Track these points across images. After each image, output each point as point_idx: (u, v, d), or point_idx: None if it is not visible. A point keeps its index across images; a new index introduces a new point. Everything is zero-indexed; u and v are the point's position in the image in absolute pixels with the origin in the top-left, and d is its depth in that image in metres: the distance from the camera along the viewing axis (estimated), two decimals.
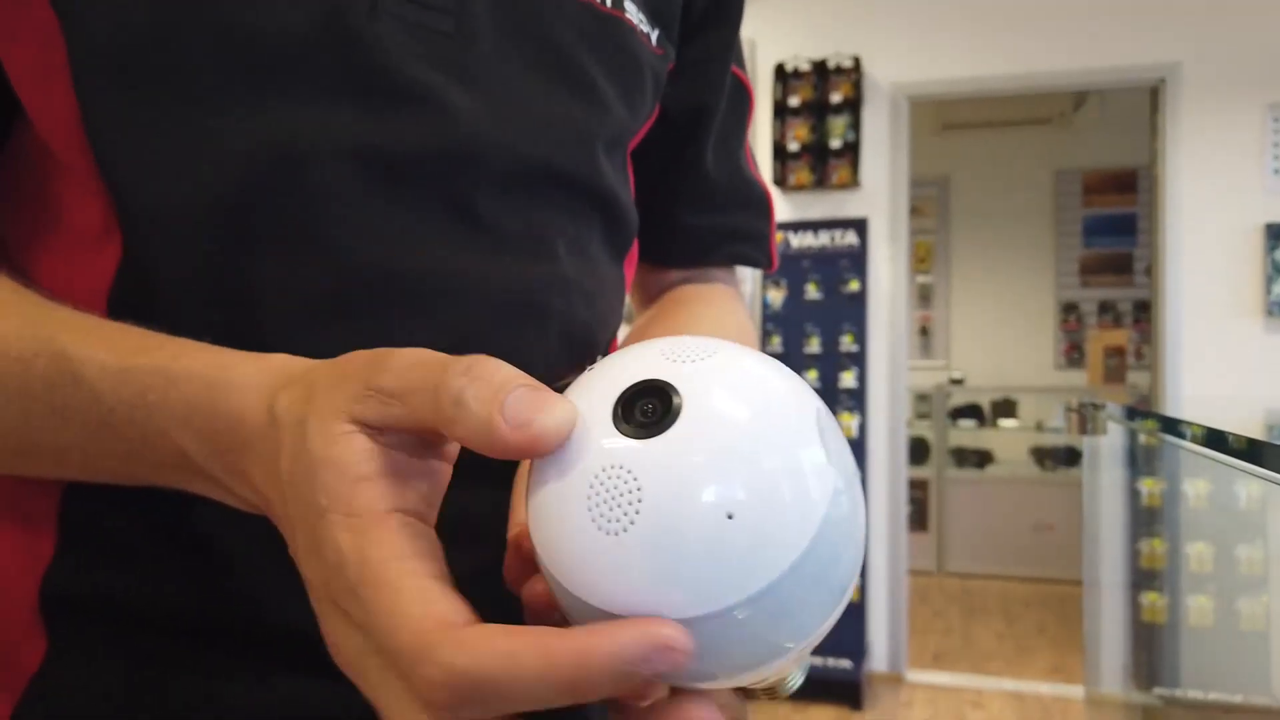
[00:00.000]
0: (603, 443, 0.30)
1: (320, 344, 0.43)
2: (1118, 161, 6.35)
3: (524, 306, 0.52)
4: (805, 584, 0.29)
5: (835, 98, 4.14)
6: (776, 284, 4.20)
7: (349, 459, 0.31)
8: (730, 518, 0.28)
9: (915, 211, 5.40)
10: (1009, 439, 6.24)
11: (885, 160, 4.16)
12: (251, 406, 0.36)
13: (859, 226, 4.14)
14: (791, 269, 4.18)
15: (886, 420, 4.15)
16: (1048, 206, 6.57)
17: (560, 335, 0.54)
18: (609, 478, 0.29)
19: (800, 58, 4.20)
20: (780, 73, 4.22)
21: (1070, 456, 5.90)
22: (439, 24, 0.48)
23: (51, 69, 0.43)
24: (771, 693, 0.37)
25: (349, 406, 0.32)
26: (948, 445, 6.12)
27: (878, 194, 4.17)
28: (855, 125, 4.13)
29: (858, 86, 4.13)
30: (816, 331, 4.16)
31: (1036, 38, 4.01)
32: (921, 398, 6.23)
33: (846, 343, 4.12)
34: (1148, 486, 3.10)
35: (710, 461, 0.29)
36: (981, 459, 6.15)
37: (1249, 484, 2.83)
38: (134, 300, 0.45)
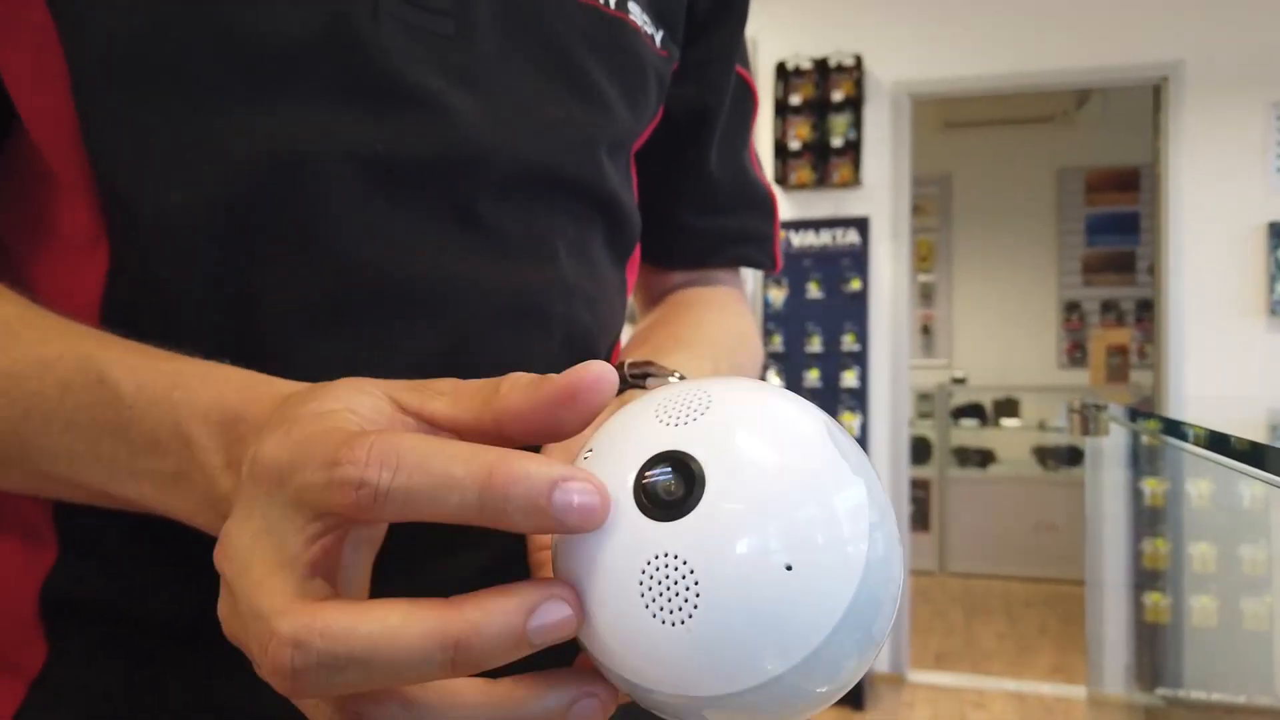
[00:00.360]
0: (641, 530, 0.29)
1: (321, 348, 0.45)
2: (1120, 160, 6.34)
3: (526, 311, 0.52)
4: (851, 634, 0.29)
5: (837, 96, 4.14)
6: (778, 283, 4.20)
7: (361, 402, 0.32)
8: (789, 569, 0.28)
9: (917, 210, 5.39)
10: (1011, 438, 6.23)
11: (887, 159, 4.16)
12: (288, 390, 0.36)
13: (860, 225, 4.14)
14: (793, 268, 4.18)
15: (888, 420, 4.14)
16: (1050, 205, 6.56)
17: (562, 339, 0.54)
18: (660, 567, 0.28)
19: (801, 56, 4.20)
20: (781, 71, 4.22)
21: (1073, 456, 5.89)
22: (440, 27, 0.48)
23: (48, 73, 0.43)
24: None
25: (390, 386, 0.34)
26: (950, 445, 6.12)
27: (879, 192, 4.16)
28: (857, 123, 4.13)
29: (859, 84, 4.13)
30: (818, 331, 4.16)
31: (1039, 35, 4.00)
32: (923, 397, 6.23)
33: (848, 342, 4.12)
34: (1150, 486, 3.09)
35: (756, 525, 0.28)
36: (984, 458, 6.15)
37: (1252, 484, 2.82)
38: (130, 305, 0.45)
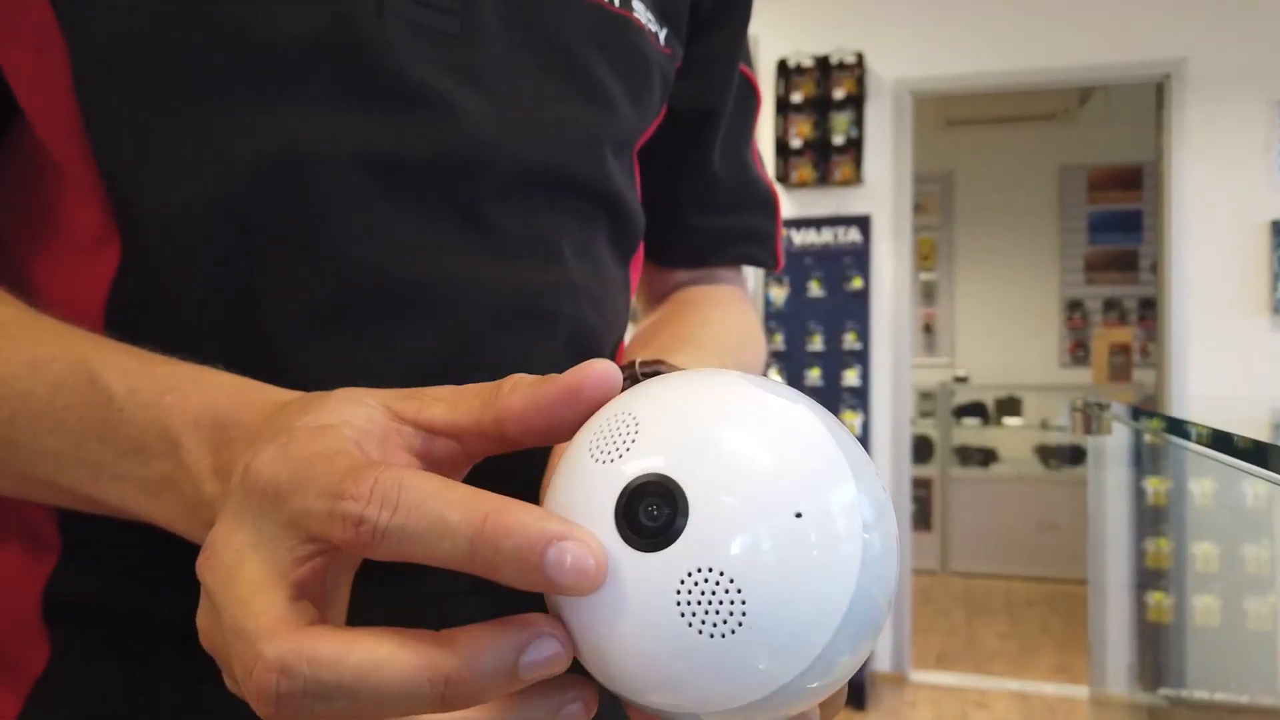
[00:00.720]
0: (644, 564, 0.28)
1: (323, 348, 0.45)
2: (1123, 157, 6.34)
3: (531, 311, 0.51)
4: (851, 632, 0.29)
5: (838, 94, 4.13)
6: (779, 282, 4.19)
7: (356, 414, 0.32)
8: (795, 567, 0.28)
9: (919, 208, 5.39)
10: (1013, 437, 6.23)
11: (888, 156, 4.15)
12: (282, 398, 0.36)
13: (862, 223, 4.14)
14: (794, 266, 4.18)
15: (890, 418, 4.14)
16: (1052, 203, 6.56)
17: (567, 339, 0.53)
18: (698, 584, 0.27)
19: (803, 53, 4.19)
20: (783, 69, 4.21)
21: (1075, 455, 5.89)
22: (445, 25, 0.48)
23: (51, 71, 0.43)
24: None
25: (384, 396, 0.34)
26: (952, 444, 6.12)
27: (881, 190, 4.16)
28: (858, 121, 4.12)
29: (861, 82, 4.12)
30: (819, 329, 4.16)
31: (1041, 32, 4.00)
32: (925, 396, 6.22)
33: (850, 340, 4.12)
34: (1153, 485, 3.09)
35: (754, 526, 0.28)
36: (986, 457, 6.14)
37: (1255, 483, 2.81)
38: (134, 305, 0.45)
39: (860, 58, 4.13)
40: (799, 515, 0.28)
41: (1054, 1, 3.99)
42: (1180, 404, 3.84)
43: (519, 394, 0.32)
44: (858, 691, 3.79)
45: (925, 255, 6.70)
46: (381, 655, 0.27)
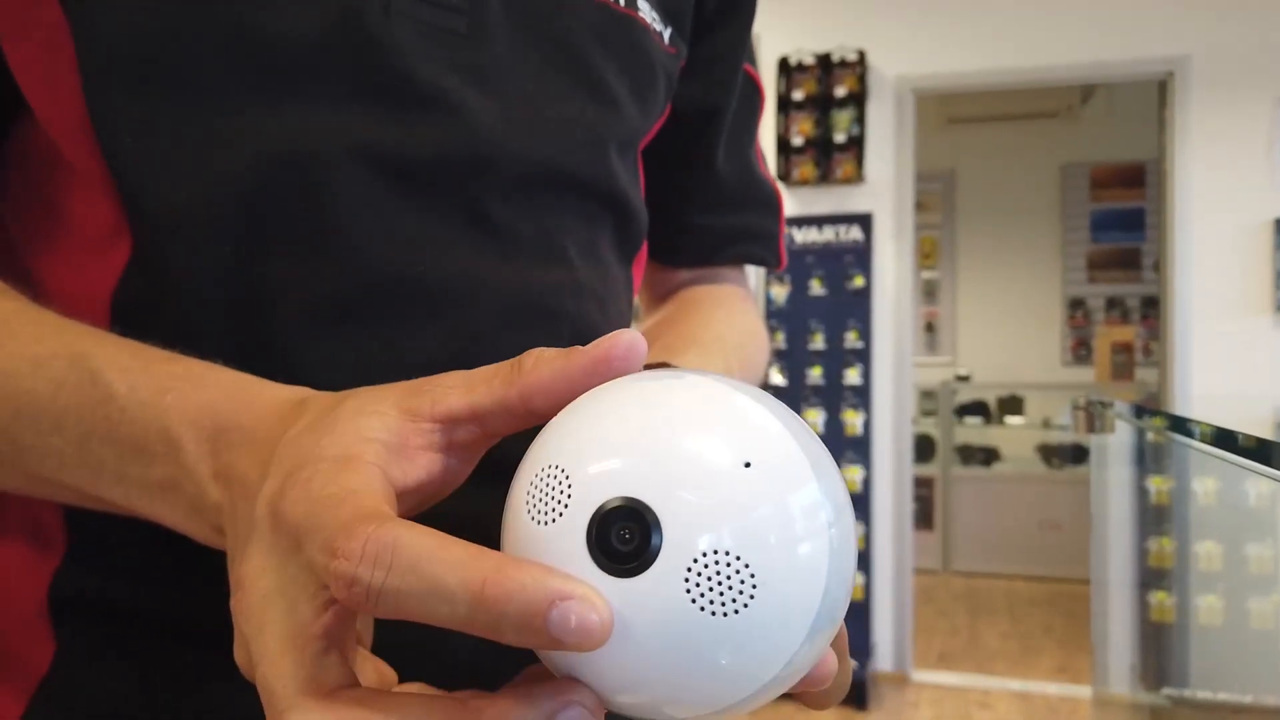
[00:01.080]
0: (617, 587, 0.28)
1: (332, 346, 0.45)
2: (1126, 155, 6.33)
3: (536, 310, 0.52)
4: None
5: (840, 91, 4.13)
6: (780, 280, 4.19)
7: (373, 428, 0.32)
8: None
9: (920, 206, 5.38)
10: (1015, 436, 6.23)
11: (890, 155, 4.15)
12: (281, 399, 0.36)
13: (864, 222, 4.13)
14: (796, 265, 4.17)
15: (892, 417, 4.13)
16: (1055, 201, 6.56)
17: (571, 338, 0.53)
18: (715, 561, 0.27)
19: (804, 51, 4.19)
20: (784, 66, 4.21)
21: (1077, 454, 5.88)
22: (452, 24, 0.48)
23: (60, 69, 0.43)
24: None
25: (395, 396, 0.33)
26: (953, 443, 6.12)
27: (882, 189, 4.15)
28: (860, 119, 4.11)
29: (862, 80, 4.12)
30: (821, 328, 4.15)
31: (1043, 30, 3.99)
32: (927, 394, 6.23)
33: (851, 339, 4.11)
34: (1156, 484, 3.09)
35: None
36: (988, 456, 6.15)
37: (1259, 482, 2.81)
38: (141, 301, 0.45)
39: (862, 55, 4.12)
40: (774, 507, 0.28)
41: None
42: (1183, 403, 3.83)
43: (545, 367, 0.32)
44: (859, 691, 3.79)
45: (927, 253, 6.70)
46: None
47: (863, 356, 4.10)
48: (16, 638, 0.46)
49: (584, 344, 0.52)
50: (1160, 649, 3.21)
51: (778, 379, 4.15)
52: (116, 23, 0.43)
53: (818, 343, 4.14)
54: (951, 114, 6.48)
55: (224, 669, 0.42)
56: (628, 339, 0.32)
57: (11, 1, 0.44)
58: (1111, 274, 6.45)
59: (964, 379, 6.37)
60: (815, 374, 4.13)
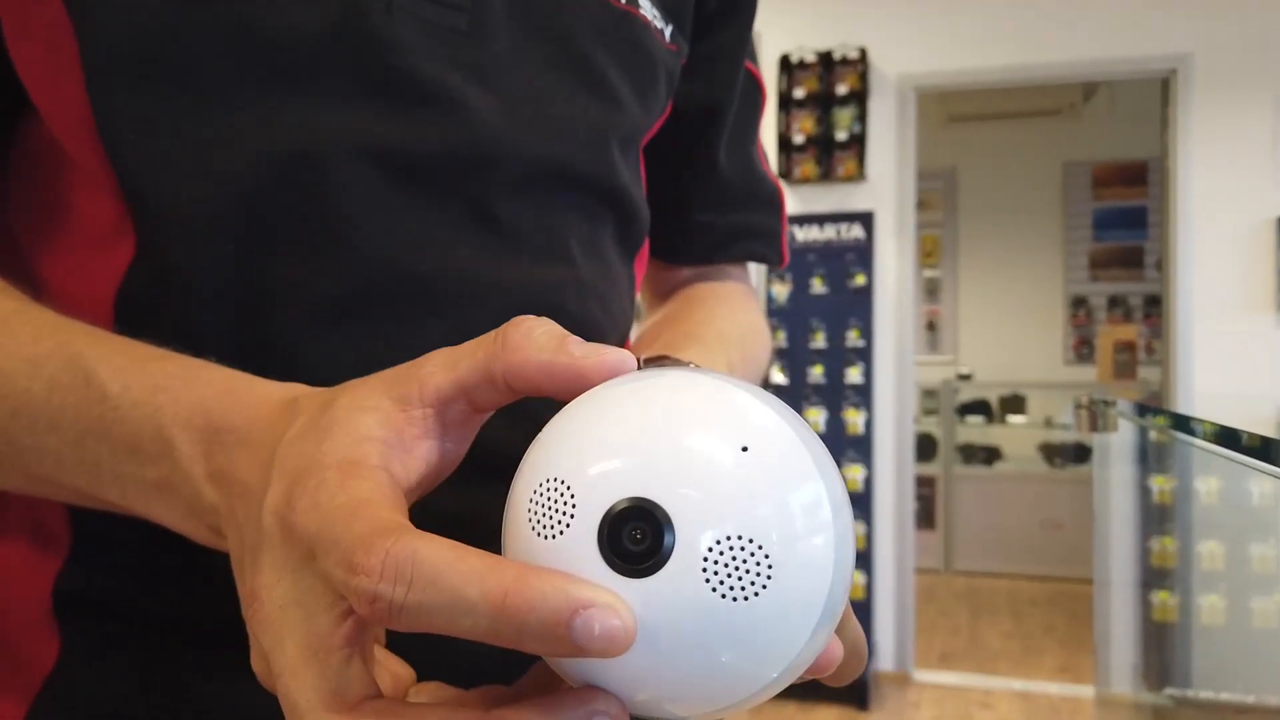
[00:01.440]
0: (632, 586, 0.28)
1: (335, 345, 0.45)
2: (1128, 154, 6.33)
3: (540, 307, 0.51)
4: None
5: (841, 89, 4.12)
6: (781, 278, 4.18)
7: (369, 424, 0.32)
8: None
9: (922, 205, 5.38)
10: (1017, 435, 6.23)
11: (892, 153, 4.14)
12: (272, 398, 0.36)
13: (865, 220, 4.12)
14: (797, 263, 4.17)
15: (893, 416, 4.13)
16: (1057, 199, 6.55)
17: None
18: (730, 547, 0.27)
19: (805, 49, 4.18)
20: (785, 64, 4.20)
21: (1079, 453, 5.88)
22: (453, 22, 0.48)
23: (63, 67, 0.43)
24: None
25: (385, 387, 0.33)
26: (955, 442, 6.12)
27: (884, 187, 4.14)
28: (861, 117, 4.11)
29: (864, 78, 4.11)
30: (822, 327, 4.14)
31: (1045, 27, 3.98)
32: (929, 393, 6.23)
33: (853, 338, 4.11)
34: (1159, 484, 3.08)
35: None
36: (989, 456, 6.14)
37: (1262, 481, 2.80)
38: (145, 298, 0.45)
39: (863, 53, 4.11)
40: (781, 505, 0.28)
41: None
42: (1185, 401, 3.83)
43: (532, 353, 0.32)
44: (860, 691, 3.78)
45: (929, 252, 6.70)
46: None
47: (864, 355, 4.10)
48: (21, 638, 0.46)
49: (586, 340, 0.52)
50: (1163, 649, 3.21)
51: (779, 377, 4.14)
52: (118, 21, 0.43)
53: (819, 341, 4.14)
54: (953, 112, 6.47)
55: (226, 667, 0.43)
56: (615, 359, 0.32)
57: (15, 0, 0.44)
58: (1114, 272, 6.45)
59: (966, 378, 6.36)
60: (816, 373, 4.12)
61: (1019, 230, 6.61)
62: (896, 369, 4.13)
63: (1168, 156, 3.94)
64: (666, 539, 0.27)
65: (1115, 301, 6.45)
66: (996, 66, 4.04)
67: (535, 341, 0.32)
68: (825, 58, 4.15)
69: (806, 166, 4.14)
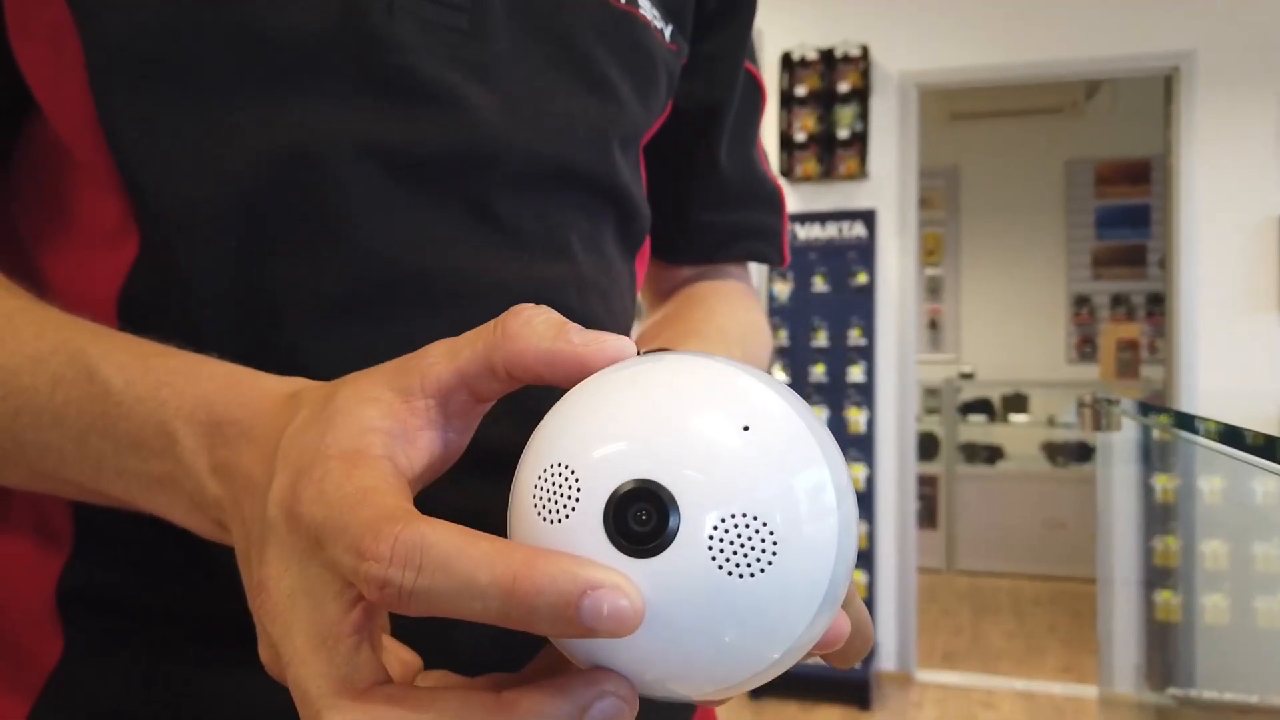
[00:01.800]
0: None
1: (338, 342, 0.45)
2: (1131, 151, 6.32)
3: (541, 304, 0.51)
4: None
5: (843, 87, 4.11)
6: (783, 277, 4.18)
7: (372, 416, 0.32)
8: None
9: (924, 203, 5.38)
10: (1020, 434, 6.22)
11: (894, 150, 4.13)
12: (274, 391, 0.37)
13: (867, 218, 4.11)
14: (798, 261, 4.16)
15: (895, 415, 4.12)
16: (1059, 197, 6.55)
17: None
18: (735, 525, 0.28)
19: (807, 46, 4.17)
20: (787, 62, 4.19)
21: (1082, 452, 5.88)
22: (454, 21, 0.49)
23: (66, 67, 0.44)
24: None
25: (386, 378, 0.33)
26: (957, 440, 6.11)
27: (886, 185, 4.13)
28: (863, 115, 4.10)
29: (866, 75, 4.10)
30: (824, 325, 4.14)
31: (1048, 25, 3.97)
32: (931, 392, 6.22)
33: (854, 336, 4.10)
34: (1162, 483, 3.08)
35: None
36: (992, 454, 6.13)
37: (1265, 480, 2.80)
38: (149, 297, 0.45)
39: (865, 51, 4.10)
40: (785, 488, 0.28)
41: None
42: (1188, 400, 3.83)
43: (532, 342, 0.32)
44: (863, 691, 3.78)
45: (931, 250, 6.69)
46: None
47: (866, 354, 4.09)
48: (25, 634, 0.47)
49: None
50: (1166, 648, 3.21)
51: (780, 376, 4.13)
52: (121, 20, 0.43)
53: (821, 340, 4.13)
54: (955, 110, 6.47)
55: (230, 662, 0.44)
56: (618, 344, 0.32)
57: (19, 1, 0.44)
58: (1116, 271, 6.44)
59: (968, 376, 6.35)
60: (818, 371, 4.12)
61: (1021, 228, 6.60)
62: (898, 368, 4.12)
63: (1171, 154, 3.93)
64: (671, 519, 0.27)
65: (1118, 300, 6.45)
66: (999, 64, 4.03)
67: (535, 330, 0.32)
68: (827, 55, 4.14)
69: (808, 164, 4.13)
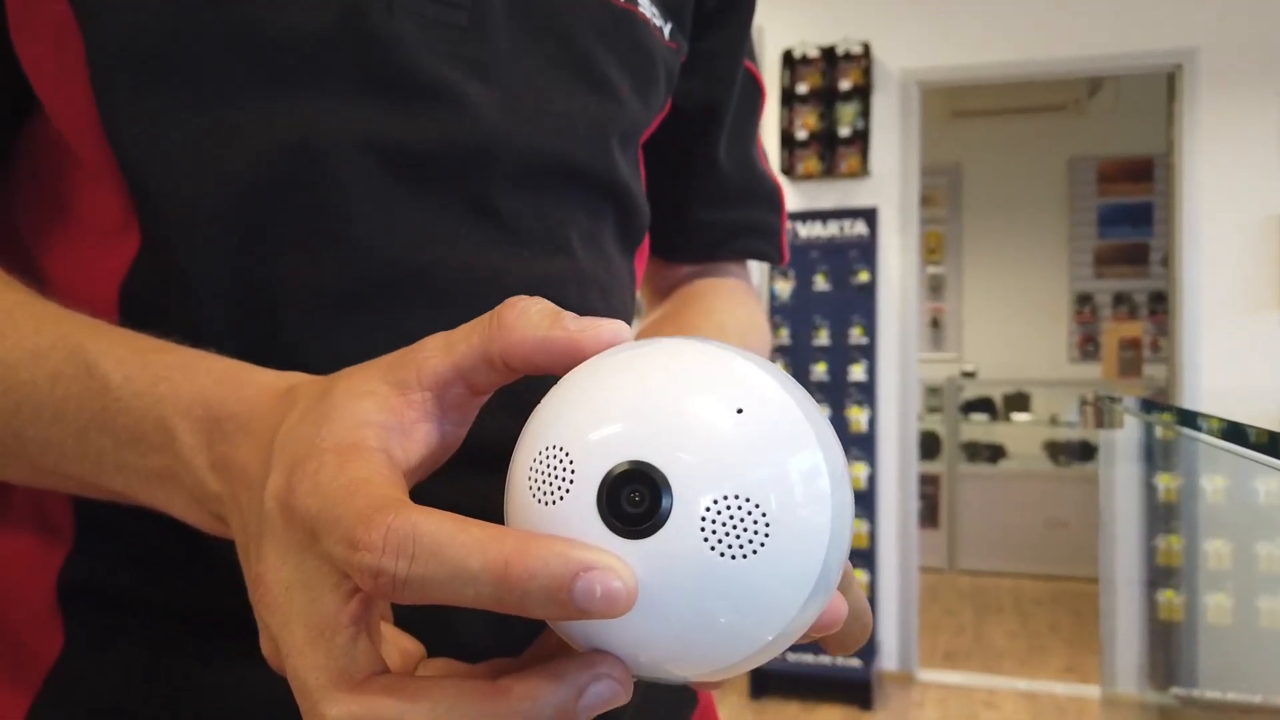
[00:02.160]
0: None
1: (338, 338, 0.46)
2: (1133, 149, 6.32)
3: None
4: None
5: (844, 84, 4.11)
6: (784, 275, 4.17)
7: (367, 409, 0.32)
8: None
9: (926, 201, 5.37)
10: (1022, 433, 6.21)
11: (895, 148, 4.12)
12: (270, 386, 0.37)
13: (868, 216, 4.10)
14: (800, 259, 4.15)
15: (897, 414, 4.11)
16: (1062, 195, 6.54)
17: None
18: (727, 506, 0.28)
19: (808, 44, 4.16)
20: (788, 59, 4.18)
21: (1084, 451, 5.88)
22: (453, 19, 0.49)
23: (68, 65, 0.44)
24: None
25: (382, 372, 0.34)
26: (959, 439, 6.11)
27: (888, 183, 4.13)
28: (865, 113, 4.09)
29: (867, 73, 4.09)
30: (825, 323, 4.13)
31: (1050, 22, 3.97)
32: (932, 391, 6.22)
33: (856, 335, 4.10)
34: (1164, 482, 3.08)
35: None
36: (994, 454, 6.13)
37: (1268, 479, 2.80)
38: (150, 295, 0.46)
39: (867, 48, 4.10)
40: (774, 473, 0.29)
41: None
42: (1192, 399, 3.83)
43: (527, 331, 0.32)
44: (864, 691, 3.77)
45: (932, 249, 6.69)
46: (440, 712, 0.28)
47: (867, 352, 4.08)
48: (25, 629, 0.47)
49: None
50: (1169, 648, 3.21)
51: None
52: (122, 18, 0.43)
53: (822, 338, 4.12)
54: (957, 107, 6.46)
55: (230, 656, 0.44)
56: (613, 328, 0.32)
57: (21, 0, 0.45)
58: (1119, 269, 6.44)
59: (970, 375, 6.36)
60: (820, 370, 4.11)
61: (1024, 227, 6.60)
62: (900, 366, 4.11)
63: (1173, 152, 3.93)
64: (664, 500, 0.28)
65: (1120, 298, 6.44)
66: (1001, 61, 4.02)
67: (530, 319, 0.32)
68: (828, 53, 4.13)
69: (810, 162, 4.13)
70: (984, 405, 6.27)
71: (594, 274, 0.56)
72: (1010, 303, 6.66)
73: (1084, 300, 6.51)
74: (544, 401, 0.32)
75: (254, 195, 0.45)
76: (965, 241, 6.72)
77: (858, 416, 4.05)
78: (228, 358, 0.40)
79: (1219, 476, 2.94)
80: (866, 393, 4.08)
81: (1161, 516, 3.10)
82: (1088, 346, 6.49)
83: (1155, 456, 3.08)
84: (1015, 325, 6.65)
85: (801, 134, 4.13)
